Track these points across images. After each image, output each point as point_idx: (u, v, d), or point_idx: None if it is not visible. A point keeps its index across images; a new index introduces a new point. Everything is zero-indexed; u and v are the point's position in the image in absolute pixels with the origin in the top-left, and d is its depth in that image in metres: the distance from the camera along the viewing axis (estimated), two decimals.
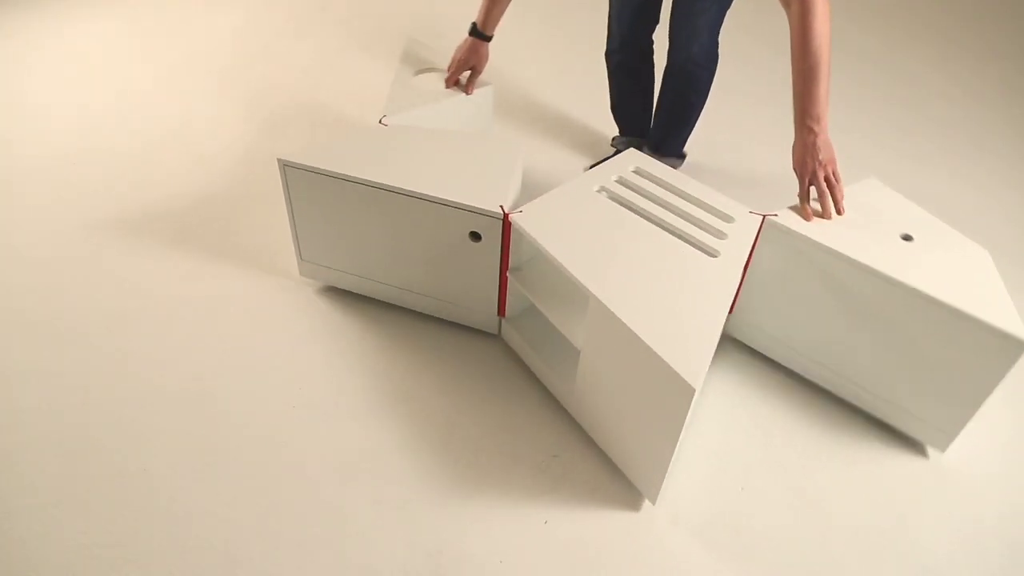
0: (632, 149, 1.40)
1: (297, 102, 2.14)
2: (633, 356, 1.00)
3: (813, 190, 1.23)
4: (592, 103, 2.16)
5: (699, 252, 1.16)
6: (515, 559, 1.05)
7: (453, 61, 1.59)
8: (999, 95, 2.47)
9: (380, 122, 1.42)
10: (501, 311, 1.33)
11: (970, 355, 1.08)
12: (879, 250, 1.17)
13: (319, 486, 1.13)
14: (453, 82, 1.58)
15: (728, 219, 1.24)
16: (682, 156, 1.87)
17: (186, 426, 1.21)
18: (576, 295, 1.24)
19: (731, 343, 1.42)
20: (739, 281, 1.12)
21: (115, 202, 1.71)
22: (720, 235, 1.20)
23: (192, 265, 1.53)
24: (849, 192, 1.28)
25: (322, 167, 1.27)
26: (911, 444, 1.26)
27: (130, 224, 1.64)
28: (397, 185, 1.24)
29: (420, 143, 1.36)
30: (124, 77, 2.23)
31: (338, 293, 1.48)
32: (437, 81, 1.60)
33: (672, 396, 0.96)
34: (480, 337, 1.40)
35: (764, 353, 1.37)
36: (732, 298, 1.09)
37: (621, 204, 1.25)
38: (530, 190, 1.35)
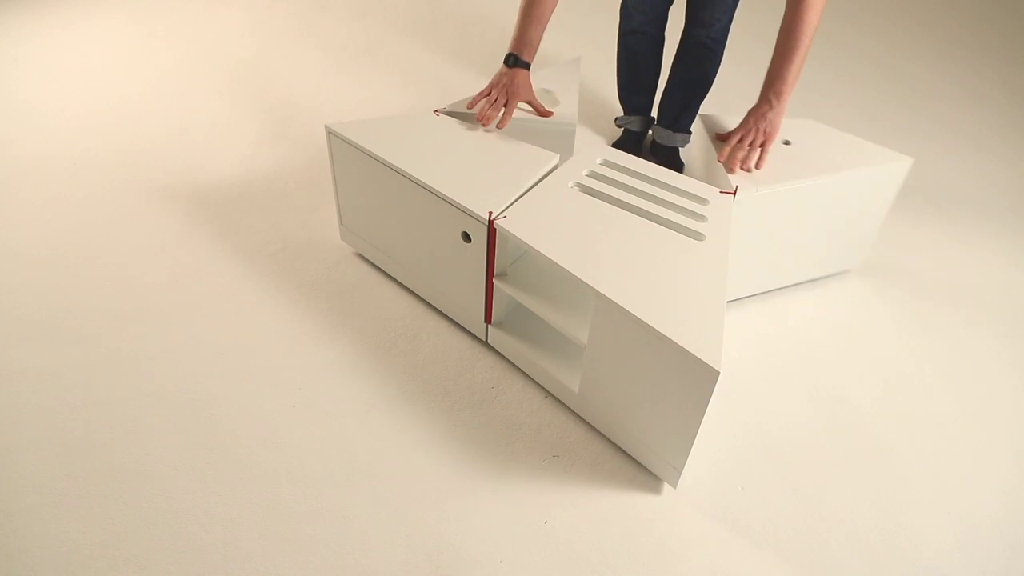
0: (601, 143, 1.42)
1: (298, 102, 2.14)
2: (648, 347, 1.02)
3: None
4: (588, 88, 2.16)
5: (686, 237, 1.18)
6: (515, 559, 1.05)
7: (490, 88, 1.44)
8: (999, 95, 2.47)
9: (434, 112, 1.45)
10: (488, 317, 1.32)
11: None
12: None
13: (319, 486, 1.13)
14: (484, 115, 1.39)
15: (703, 201, 1.26)
16: (690, 132, 1.91)
17: (186, 426, 1.21)
18: (569, 294, 1.24)
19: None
20: (728, 261, 1.15)
21: (115, 202, 1.71)
22: (700, 218, 1.22)
23: (192, 265, 1.53)
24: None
25: (355, 140, 1.32)
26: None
27: (130, 224, 1.64)
28: (408, 171, 1.26)
29: (458, 137, 1.38)
30: (124, 77, 2.23)
31: (338, 291, 1.48)
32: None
33: (695, 382, 0.98)
34: (479, 337, 1.40)
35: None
36: (726, 279, 1.11)
37: (598, 198, 1.25)
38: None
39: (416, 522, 1.09)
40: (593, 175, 1.31)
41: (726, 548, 1.08)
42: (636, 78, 1.89)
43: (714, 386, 0.96)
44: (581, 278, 1.07)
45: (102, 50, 2.37)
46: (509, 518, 1.10)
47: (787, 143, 1.44)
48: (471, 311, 1.34)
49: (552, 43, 2.58)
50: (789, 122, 1.47)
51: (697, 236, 1.18)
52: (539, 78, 1.56)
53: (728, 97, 2.34)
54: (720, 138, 1.42)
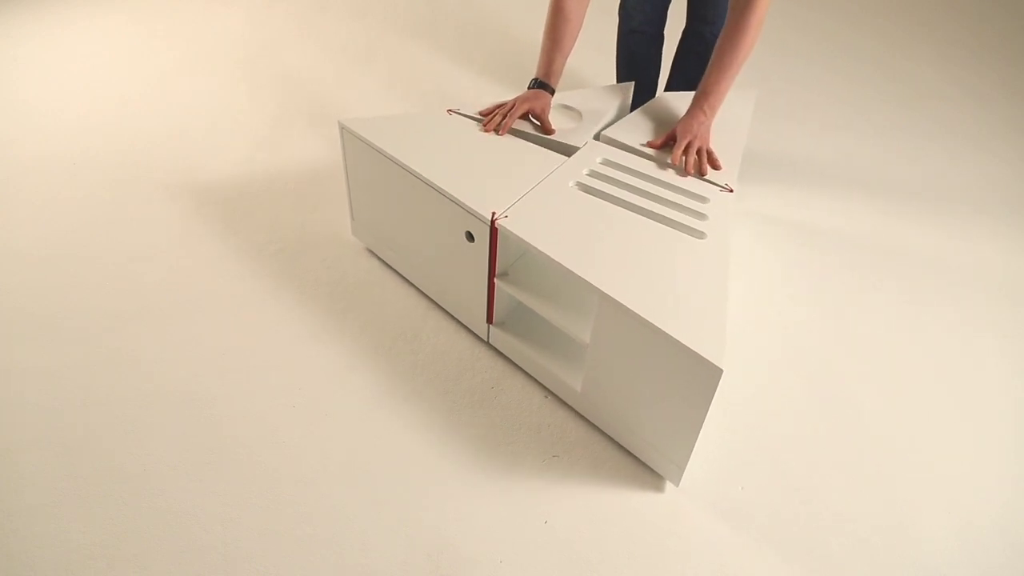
0: (594, 140, 1.42)
1: (298, 102, 2.14)
2: (651, 346, 1.02)
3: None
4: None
5: (688, 236, 1.18)
6: (515, 559, 1.05)
7: (515, 106, 1.43)
8: (999, 95, 2.47)
9: (447, 111, 1.46)
10: (489, 318, 1.32)
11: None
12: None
13: (319, 486, 1.13)
14: (496, 127, 1.41)
15: (703, 200, 1.26)
16: None
17: (186, 426, 1.21)
18: (571, 293, 1.24)
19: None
20: (729, 258, 1.16)
21: (115, 202, 1.71)
22: (701, 216, 1.22)
23: (191, 265, 1.53)
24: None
25: (366, 136, 1.33)
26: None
27: (130, 224, 1.64)
28: (415, 168, 1.26)
29: (469, 137, 1.38)
30: (124, 77, 2.23)
31: (338, 291, 1.48)
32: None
33: (698, 380, 0.98)
34: (480, 337, 1.40)
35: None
36: (727, 276, 1.11)
37: (599, 197, 1.26)
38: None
39: (416, 522, 1.09)
40: (594, 174, 1.31)
41: (726, 548, 1.08)
42: (635, 78, 1.89)
43: (717, 383, 0.96)
44: (583, 277, 1.07)
45: (102, 50, 2.37)
46: (509, 518, 1.10)
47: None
48: (473, 310, 1.34)
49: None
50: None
51: (698, 234, 1.18)
52: (582, 98, 1.54)
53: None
54: (652, 145, 1.41)
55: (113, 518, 1.07)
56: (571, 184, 1.28)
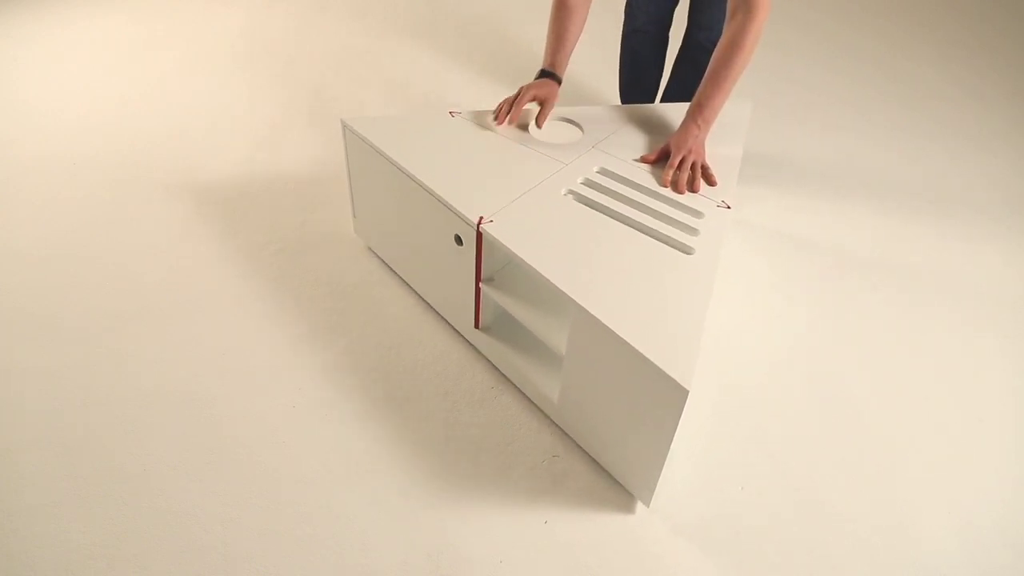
0: (593, 148, 1.40)
1: (298, 102, 2.14)
2: (620, 361, 1.00)
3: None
4: (583, 87, 2.16)
5: (674, 251, 1.15)
6: (515, 559, 1.05)
7: (521, 92, 1.44)
8: (1000, 95, 2.47)
9: (450, 113, 1.46)
10: (476, 322, 1.31)
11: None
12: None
13: (319, 486, 1.13)
14: (506, 116, 1.42)
15: (698, 215, 1.24)
16: None
17: (186, 426, 1.21)
18: (554, 302, 1.23)
19: (713, 344, 1.42)
20: (716, 276, 1.13)
21: (115, 202, 1.71)
22: (693, 232, 1.20)
23: (191, 265, 1.53)
24: None
25: (366, 135, 1.33)
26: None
27: (130, 224, 1.64)
28: (409, 169, 1.26)
29: (468, 140, 1.38)
30: (124, 77, 2.23)
31: (338, 291, 1.48)
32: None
33: (664, 399, 0.95)
34: (469, 341, 1.40)
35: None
36: (710, 295, 1.09)
37: (591, 207, 1.24)
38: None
39: (416, 522, 1.09)
40: (588, 183, 1.30)
41: (726, 548, 1.08)
42: (638, 78, 1.89)
43: (683, 405, 0.93)
44: (558, 286, 1.05)
45: (102, 50, 2.38)
46: (509, 518, 1.10)
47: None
48: (462, 315, 1.34)
49: None
50: None
51: (686, 250, 1.15)
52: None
53: None
54: (646, 160, 1.37)
55: (113, 518, 1.07)
56: (563, 192, 1.26)
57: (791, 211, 1.81)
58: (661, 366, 0.93)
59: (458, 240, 1.22)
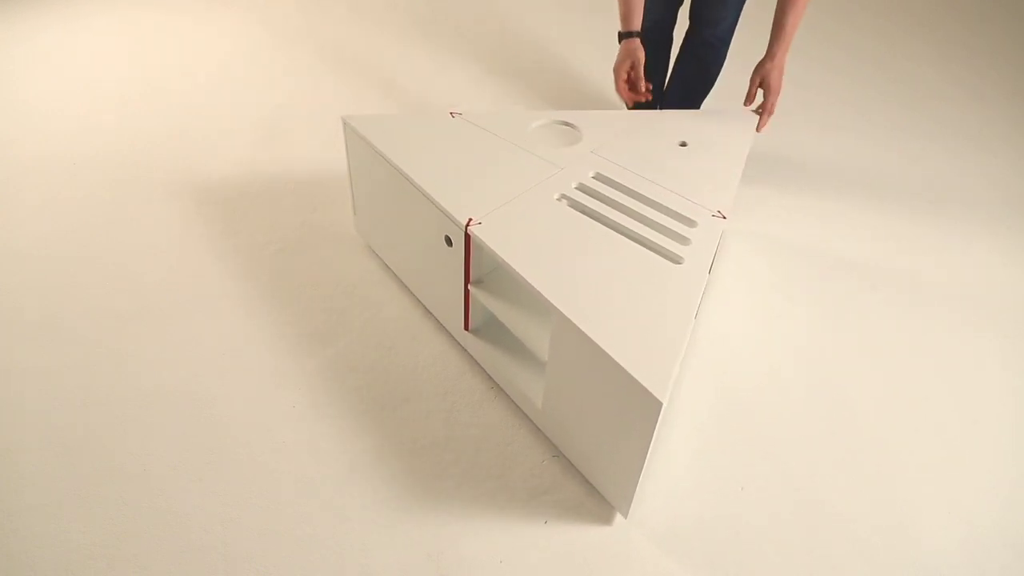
0: (591, 153, 1.39)
1: (298, 102, 2.14)
2: (598, 369, 0.98)
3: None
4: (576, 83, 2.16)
5: (663, 260, 1.13)
6: (515, 559, 1.05)
7: (617, 69, 1.56)
8: (1000, 95, 2.47)
9: (450, 113, 1.46)
10: (465, 324, 1.31)
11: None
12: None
13: (319, 486, 1.13)
14: (629, 91, 1.56)
15: (691, 223, 1.22)
16: None
17: (186, 426, 1.21)
18: (540, 308, 1.22)
19: (707, 342, 1.42)
20: (704, 287, 1.11)
21: (115, 202, 1.71)
22: (684, 241, 1.18)
23: (191, 265, 1.53)
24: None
25: (364, 133, 1.34)
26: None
27: (130, 224, 1.64)
28: (403, 168, 1.26)
29: (466, 141, 1.38)
30: (124, 77, 2.23)
31: (338, 291, 1.48)
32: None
33: (639, 409, 0.94)
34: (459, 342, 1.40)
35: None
36: (697, 305, 1.07)
37: (583, 212, 1.23)
38: None
39: (416, 522, 1.09)
40: (582, 188, 1.29)
41: (726, 548, 1.08)
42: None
43: (657, 417, 0.92)
44: (540, 291, 1.04)
45: (102, 50, 2.38)
46: (509, 518, 1.10)
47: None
48: (452, 316, 1.34)
49: (552, 42, 2.58)
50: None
51: (676, 259, 1.14)
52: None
53: (728, 95, 2.34)
54: (748, 102, 1.55)
55: (113, 518, 1.07)
56: (556, 196, 1.25)
57: (791, 211, 1.81)
58: (636, 376, 0.92)
59: (448, 241, 1.22)
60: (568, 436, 1.15)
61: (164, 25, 2.56)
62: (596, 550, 1.07)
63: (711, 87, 1.85)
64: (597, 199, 1.26)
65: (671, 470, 1.18)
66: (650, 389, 0.91)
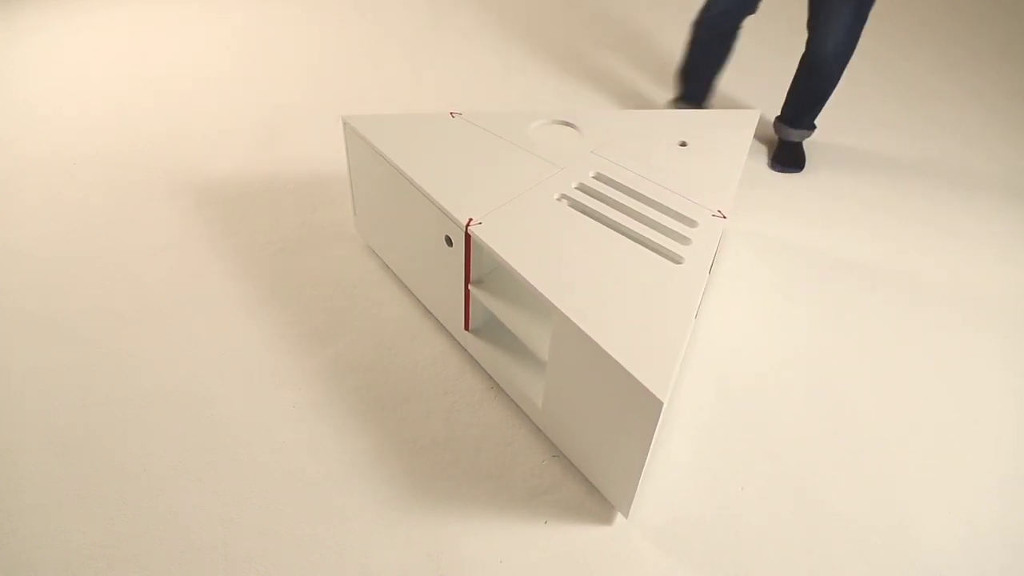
0: (591, 153, 1.38)
1: (298, 102, 2.14)
2: (598, 368, 0.99)
3: None
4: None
5: (663, 259, 1.13)
6: (515, 559, 1.05)
7: None
8: (1000, 95, 2.47)
9: (451, 114, 1.46)
10: (466, 324, 1.31)
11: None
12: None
13: (319, 486, 1.13)
14: None
15: (692, 223, 1.22)
16: (813, 127, 1.96)
17: (186, 426, 1.21)
18: (540, 307, 1.22)
19: (708, 345, 1.42)
20: (704, 287, 1.11)
21: (115, 202, 1.71)
22: (684, 240, 1.18)
23: (191, 265, 1.53)
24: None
25: (364, 133, 1.34)
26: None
27: (130, 224, 1.64)
28: (403, 168, 1.26)
29: (467, 141, 1.37)
30: (124, 77, 2.23)
31: (338, 291, 1.48)
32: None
33: (640, 409, 0.94)
34: (460, 342, 1.40)
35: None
36: (697, 305, 1.07)
37: (583, 212, 1.23)
38: None
39: (416, 522, 1.09)
40: (583, 188, 1.29)
41: (726, 548, 1.08)
42: (696, 65, 1.91)
43: (658, 416, 0.92)
44: (540, 290, 1.04)
45: (102, 50, 2.38)
46: (509, 518, 1.10)
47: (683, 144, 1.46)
48: (453, 316, 1.34)
49: (552, 41, 2.58)
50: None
51: (676, 259, 1.14)
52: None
53: (728, 94, 2.35)
54: None
55: (113, 518, 1.07)
56: (556, 196, 1.25)
57: (791, 211, 1.81)
58: (636, 375, 0.92)
59: (448, 241, 1.22)
60: (568, 436, 1.15)
61: (164, 25, 2.56)
62: (596, 550, 1.07)
63: (820, 104, 1.87)
64: (597, 199, 1.26)
65: (671, 470, 1.18)
66: (650, 389, 0.91)
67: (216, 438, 1.19)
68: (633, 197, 1.28)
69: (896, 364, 1.41)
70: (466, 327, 1.31)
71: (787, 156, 1.95)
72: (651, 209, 1.25)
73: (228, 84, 2.22)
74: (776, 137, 2.00)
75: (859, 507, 1.15)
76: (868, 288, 1.59)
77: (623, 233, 1.19)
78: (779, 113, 1.98)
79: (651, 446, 0.97)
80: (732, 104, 2.24)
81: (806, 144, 2.02)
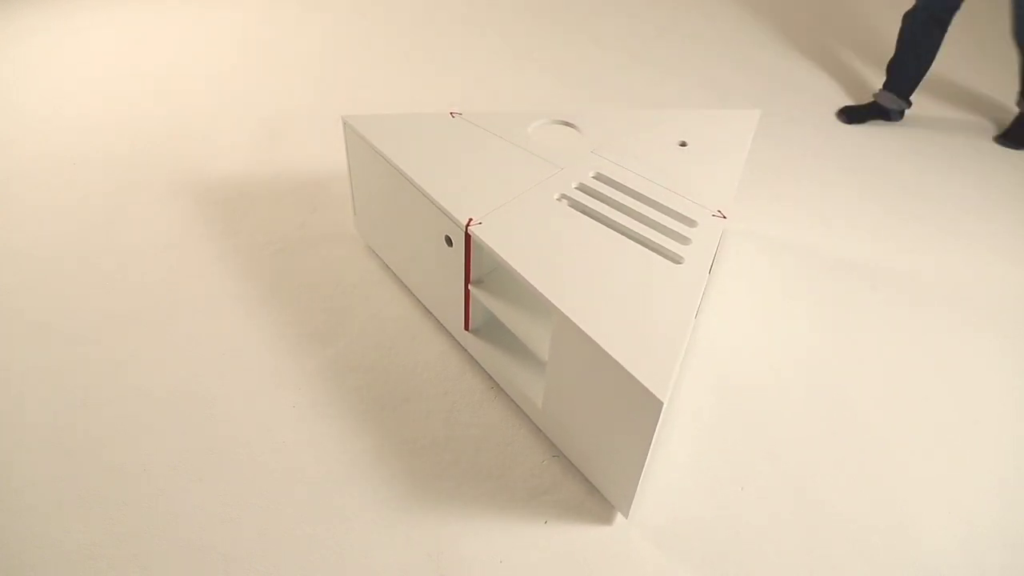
0: (591, 153, 1.38)
1: (298, 102, 2.14)
2: (598, 368, 0.99)
3: None
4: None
5: (664, 259, 1.13)
6: (515, 559, 1.05)
7: None
8: (1000, 95, 2.47)
9: (450, 113, 1.46)
10: (466, 324, 1.31)
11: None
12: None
13: (319, 486, 1.13)
14: None
15: (691, 223, 1.22)
16: None
17: (186, 426, 1.21)
18: (540, 307, 1.22)
19: (706, 347, 1.42)
20: (704, 287, 1.11)
21: (115, 202, 1.71)
22: (684, 240, 1.18)
23: (191, 265, 1.53)
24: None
25: (364, 133, 1.34)
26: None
27: (130, 224, 1.64)
28: (403, 168, 1.26)
29: (466, 141, 1.37)
30: (124, 77, 2.23)
31: (338, 291, 1.48)
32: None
33: (640, 409, 0.94)
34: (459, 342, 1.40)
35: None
36: (697, 305, 1.07)
37: (583, 212, 1.23)
38: None
39: (416, 522, 1.09)
40: (582, 188, 1.29)
41: (726, 548, 1.08)
42: (902, 58, 1.96)
43: (658, 416, 0.92)
44: (540, 290, 1.04)
45: (102, 50, 2.38)
46: (509, 518, 1.10)
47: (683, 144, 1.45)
48: (453, 316, 1.34)
49: (552, 41, 2.58)
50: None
51: (676, 259, 1.14)
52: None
53: (728, 94, 2.35)
54: None
55: (113, 518, 1.07)
56: (556, 196, 1.25)
57: (791, 211, 1.81)
58: (636, 375, 0.92)
59: (448, 241, 1.22)
60: (568, 436, 1.15)
61: (164, 25, 2.56)
62: (596, 550, 1.07)
63: None
64: (597, 199, 1.26)
65: (671, 470, 1.18)
66: (650, 388, 0.91)
67: (216, 438, 1.19)
68: (633, 197, 1.28)
69: (896, 364, 1.41)
70: (466, 327, 1.31)
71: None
72: (651, 209, 1.25)
73: (228, 84, 2.22)
74: (1017, 113, 2.07)
75: (859, 507, 1.15)
76: (868, 288, 1.59)
77: (623, 233, 1.19)
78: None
79: (651, 446, 0.97)
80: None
81: (807, 144, 2.02)
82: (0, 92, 2.12)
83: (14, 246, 1.56)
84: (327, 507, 1.10)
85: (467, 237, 1.17)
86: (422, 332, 1.40)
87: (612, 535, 1.09)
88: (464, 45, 2.54)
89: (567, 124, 1.48)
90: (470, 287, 1.24)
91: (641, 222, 1.21)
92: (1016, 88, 2.09)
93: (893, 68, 2.08)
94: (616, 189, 1.29)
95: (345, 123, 1.39)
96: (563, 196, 1.26)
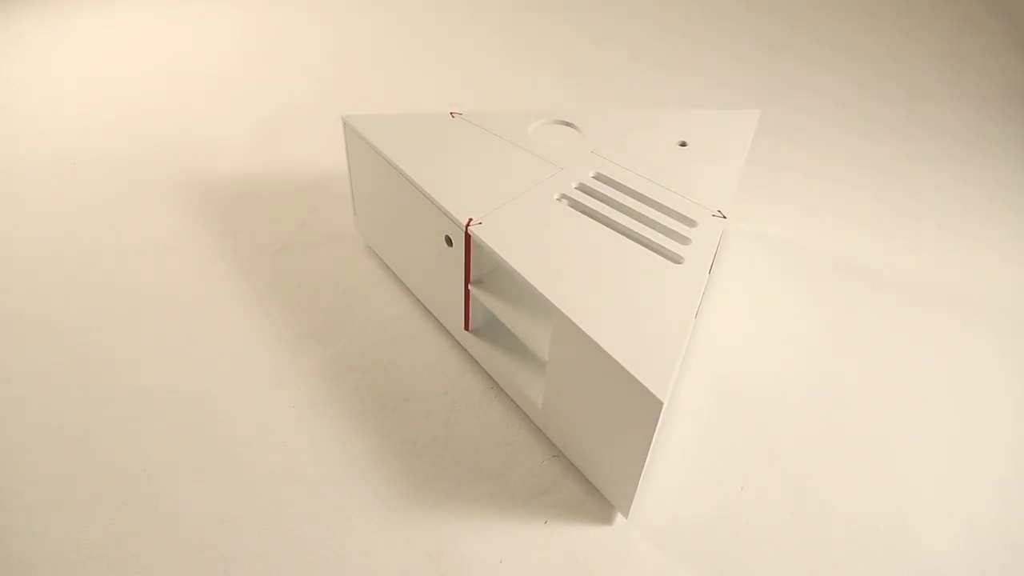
0: (592, 153, 1.37)
1: (299, 102, 2.14)
2: (598, 368, 0.98)
3: None
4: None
5: (664, 259, 1.13)
6: (515, 559, 1.05)
7: None
8: (999, 95, 2.47)
9: (450, 113, 1.46)
10: (466, 324, 1.31)
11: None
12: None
13: (319, 486, 1.13)
14: None
15: (692, 223, 1.22)
16: None
17: (186, 426, 1.21)
18: (540, 308, 1.22)
19: (707, 349, 1.42)
20: (704, 287, 1.10)
21: (115, 202, 1.71)
22: (685, 240, 1.18)
23: (192, 265, 1.53)
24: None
25: (363, 132, 1.33)
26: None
27: (130, 224, 1.64)
28: (402, 168, 1.26)
29: (467, 141, 1.37)
30: (124, 77, 2.23)
31: (338, 291, 1.48)
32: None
33: (640, 409, 0.94)
34: (459, 342, 1.40)
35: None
36: (697, 305, 1.06)
37: (583, 212, 1.22)
38: None
39: (416, 522, 1.09)
40: (582, 188, 1.28)
41: (726, 548, 1.08)
42: None
43: (658, 416, 0.91)
44: (540, 290, 1.04)
45: (102, 50, 2.38)
46: (509, 518, 1.10)
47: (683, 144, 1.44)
48: (453, 316, 1.34)
49: (552, 41, 2.58)
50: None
51: (676, 258, 1.13)
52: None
53: (728, 94, 2.35)
54: None
55: (113, 518, 1.07)
56: (556, 196, 1.25)
57: (791, 211, 1.81)
58: (636, 375, 0.91)
59: (448, 241, 1.23)
60: (568, 436, 1.15)
61: (165, 24, 2.56)
62: (596, 550, 1.07)
63: None
64: (597, 199, 1.26)
65: (671, 470, 1.18)
66: (650, 389, 0.91)
67: (216, 438, 1.19)
68: (633, 197, 1.28)
69: (896, 364, 1.41)
70: (466, 327, 1.31)
71: None
72: (651, 209, 1.25)
73: (228, 84, 2.22)
74: None
75: (859, 507, 1.15)
76: (869, 288, 1.59)
77: (623, 233, 1.19)
78: None
79: (651, 446, 0.97)
80: (729, 102, 2.25)
81: (807, 144, 2.02)
82: (0, 92, 2.12)
83: (14, 246, 1.56)
84: (327, 507, 1.10)
85: (467, 237, 1.17)
86: (422, 332, 1.40)
87: (612, 535, 1.09)
88: (464, 45, 2.54)
89: (567, 124, 1.48)
90: (470, 287, 1.24)
91: (641, 222, 1.21)
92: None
93: None
94: (616, 189, 1.29)
95: (345, 123, 1.39)
96: (563, 196, 1.26)
